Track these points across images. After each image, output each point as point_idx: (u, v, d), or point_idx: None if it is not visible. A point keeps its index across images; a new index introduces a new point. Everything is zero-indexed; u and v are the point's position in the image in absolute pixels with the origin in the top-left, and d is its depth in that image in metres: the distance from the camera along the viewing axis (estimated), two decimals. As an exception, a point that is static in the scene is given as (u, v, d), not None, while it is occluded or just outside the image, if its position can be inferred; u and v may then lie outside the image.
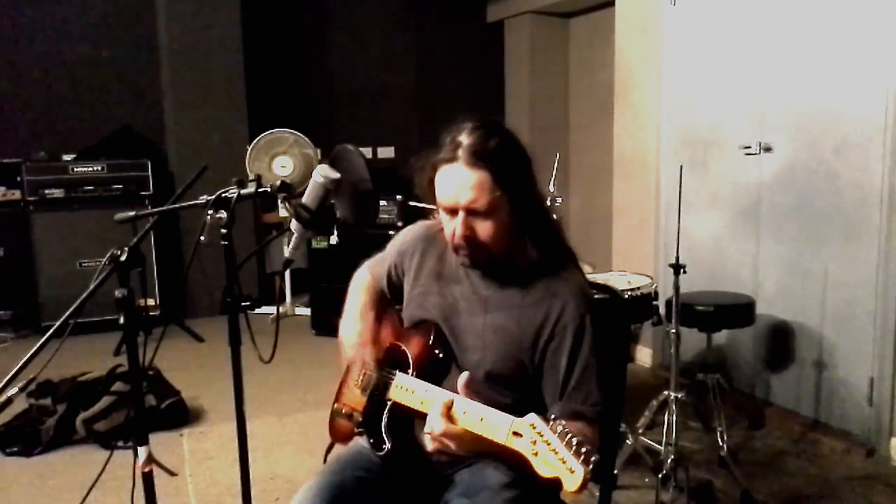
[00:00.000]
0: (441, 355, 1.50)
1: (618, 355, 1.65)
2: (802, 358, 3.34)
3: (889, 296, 2.91)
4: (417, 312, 1.59)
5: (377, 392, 1.55)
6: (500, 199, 1.40)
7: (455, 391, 1.34)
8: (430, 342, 1.51)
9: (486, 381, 1.46)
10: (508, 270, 1.49)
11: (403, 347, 1.54)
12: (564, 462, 1.09)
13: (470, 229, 1.41)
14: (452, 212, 1.42)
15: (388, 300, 1.73)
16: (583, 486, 1.08)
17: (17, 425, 3.18)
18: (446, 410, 1.30)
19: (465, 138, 1.40)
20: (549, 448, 1.11)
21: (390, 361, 1.56)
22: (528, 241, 1.48)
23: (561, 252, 1.53)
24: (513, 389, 1.47)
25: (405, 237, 1.68)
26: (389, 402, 1.51)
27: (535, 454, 1.13)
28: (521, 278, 1.48)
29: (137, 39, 5.46)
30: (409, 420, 1.42)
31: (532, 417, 1.16)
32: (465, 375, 1.34)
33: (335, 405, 1.70)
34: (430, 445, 1.35)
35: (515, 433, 1.18)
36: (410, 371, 1.49)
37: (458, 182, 1.39)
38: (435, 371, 1.48)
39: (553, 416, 1.16)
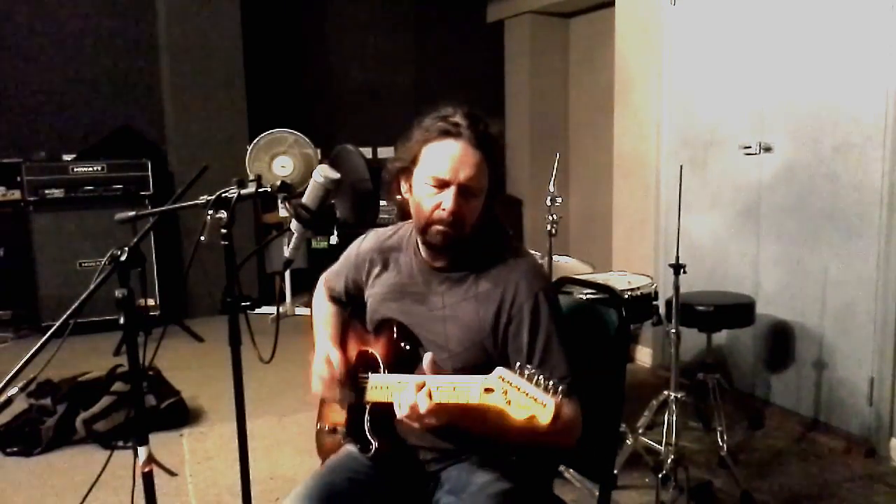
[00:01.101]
0: (408, 347, 1.53)
1: (618, 355, 1.64)
2: (802, 358, 3.34)
3: (889, 296, 2.91)
4: (378, 316, 1.61)
5: (355, 399, 1.57)
6: (485, 185, 1.47)
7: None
8: (395, 337, 1.54)
9: (456, 374, 1.45)
10: (463, 260, 1.52)
11: (371, 351, 1.57)
12: (535, 399, 1.12)
13: (458, 206, 1.44)
14: (443, 185, 1.44)
15: (348, 312, 1.76)
16: (555, 418, 1.10)
17: (17, 425, 3.18)
18: (418, 389, 1.30)
19: (463, 120, 1.45)
20: (519, 392, 1.15)
21: (362, 367, 1.58)
22: (484, 230, 1.52)
23: (508, 243, 1.58)
24: None
25: (358, 248, 1.72)
26: (368, 405, 1.53)
27: (509, 402, 1.16)
28: (473, 268, 1.52)
29: (137, 39, 5.46)
30: (390, 417, 1.44)
31: (500, 370, 1.19)
32: (428, 355, 1.35)
33: (318, 425, 1.75)
34: (400, 415, 1.34)
35: (487, 389, 1.20)
36: (382, 370, 1.51)
37: (460, 157, 1.43)
38: (404, 364, 1.50)
39: (519, 364, 1.18)
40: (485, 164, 1.45)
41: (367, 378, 1.55)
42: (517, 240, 1.66)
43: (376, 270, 1.65)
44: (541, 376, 1.14)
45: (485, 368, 1.45)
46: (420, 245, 1.57)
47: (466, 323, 1.49)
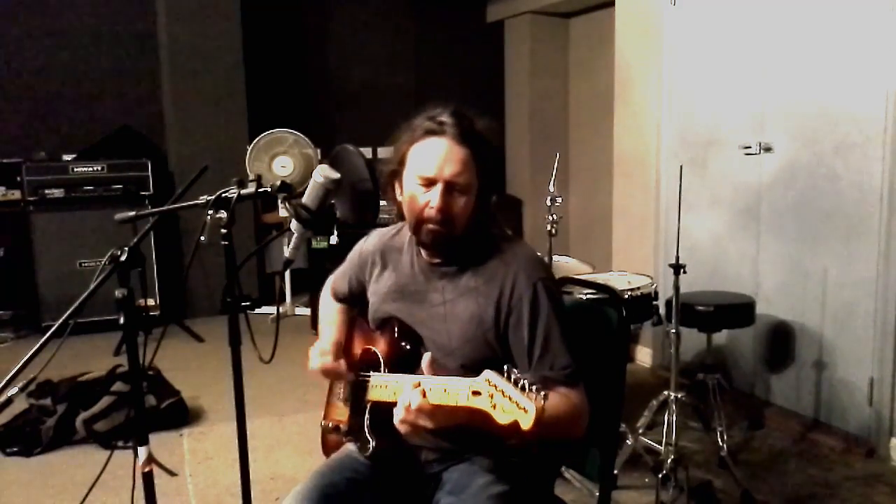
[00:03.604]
0: (408, 347, 1.53)
1: (618, 355, 1.64)
2: (802, 358, 3.34)
3: (889, 296, 2.91)
4: (380, 314, 1.62)
5: (357, 398, 1.58)
6: (474, 180, 1.47)
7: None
8: (396, 337, 1.54)
9: (461, 370, 1.46)
10: (460, 256, 1.53)
11: (374, 349, 1.58)
12: (518, 405, 1.13)
13: (446, 203, 1.44)
14: (430, 183, 1.45)
15: (353, 310, 1.78)
16: (536, 423, 1.11)
17: (17, 425, 3.18)
18: (413, 388, 1.31)
19: (448, 118, 1.46)
20: (503, 396, 1.16)
21: (365, 366, 1.59)
22: (478, 225, 1.52)
23: (504, 236, 1.58)
24: None
25: (362, 247, 1.74)
26: (369, 404, 1.53)
27: (494, 406, 1.17)
28: (471, 262, 1.52)
29: (137, 39, 5.46)
30: (390, 417, 1.44)
31: (487, 373, 1.20)
32: (427, 355, 1.36)
33: (323, 423, 1.75)
34: (402, 429, 1.34)
35: (475, 392, 1.21)
36: (382, 368, 1.52)
37: (444, 154, 1.44)
38: (405, 363, 1.50)
39: (507, 368, 1.18)
40: (472, 160, 1.45)
41: (369, 376, 1.55)
42: (512, 235, 1.65)
43: (378, 269, 1.66)
44: (526, 381, 1.14)
45: (490, 364, 1.45)
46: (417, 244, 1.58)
47: (467, 317, 1.49)
